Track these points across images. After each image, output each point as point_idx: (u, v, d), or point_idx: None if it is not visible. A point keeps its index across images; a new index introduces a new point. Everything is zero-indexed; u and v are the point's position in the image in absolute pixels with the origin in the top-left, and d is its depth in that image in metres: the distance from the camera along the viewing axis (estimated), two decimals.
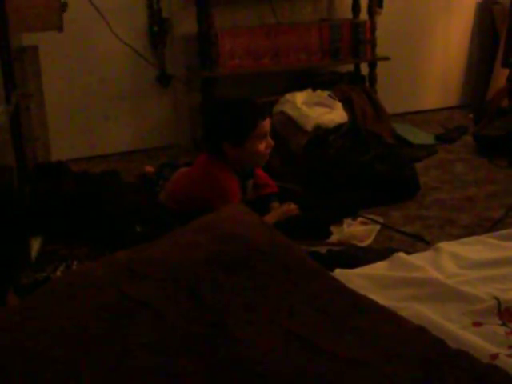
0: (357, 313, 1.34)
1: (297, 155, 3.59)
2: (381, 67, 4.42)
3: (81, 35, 4.01)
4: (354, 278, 1.73)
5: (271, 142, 2.85)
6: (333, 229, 2.90)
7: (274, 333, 1.24)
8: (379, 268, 1.83)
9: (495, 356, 1.34)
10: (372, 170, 3.33)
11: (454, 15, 4.94)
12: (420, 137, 4.31)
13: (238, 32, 4.11)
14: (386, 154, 3.55)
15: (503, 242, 1.93)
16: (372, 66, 4.42)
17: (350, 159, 3.47)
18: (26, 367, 1.13)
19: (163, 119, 4.37)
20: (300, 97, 3.80)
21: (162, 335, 1.21)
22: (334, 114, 3.77)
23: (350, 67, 4.54)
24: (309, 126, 3.67)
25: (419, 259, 1.84)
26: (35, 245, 2.71)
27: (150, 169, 3.49)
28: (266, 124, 2.82)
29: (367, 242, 2.83)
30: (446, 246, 1.90)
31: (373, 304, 1.40)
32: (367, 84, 4.41)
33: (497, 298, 1.55)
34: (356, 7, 4.41)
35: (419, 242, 2.81)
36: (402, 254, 1.87)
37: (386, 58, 4.38)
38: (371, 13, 4.34)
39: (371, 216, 3.04)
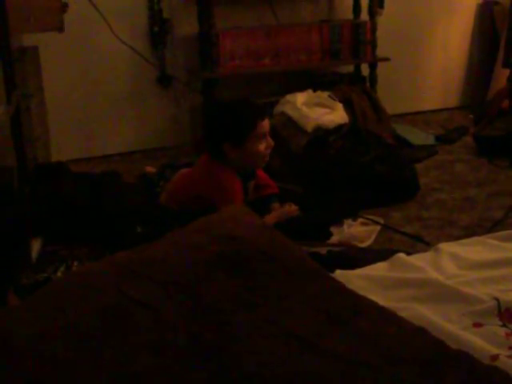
0: (357, 314, 1.34)
1: (297, 156, 3.59)
2: (381, 68, 4.42)
3: (81, 36, 4.01)
4: (354, 278, 1.73)
5: (271, 142, 2.85)
6: (333, 229, 2.90)
7: (274, 333, 1.24)
8: (379, 269, 1.83)
9: (495, 357, 1.34)
10: (372, 171, 3.33)
11: (454, 16, 4.95)
12: (420, 137, 4.31)
13: (238, 33, 4.11)
14: (386, 154, 3.55)
15: (503, 242, 1.93)
16: (372, 66, 4.42)
17: (350, 160, 3.47)
18: (27, 368, 1.13)
19: (163, 120, 4.37)
20: (300, 97, 3.81)
21: (161, 335, 1.21)
22: (335, 115, 3.77)
23: (351, 68, 4.54)
24: (309, 127, 3.67)
25: (419, 260, 1.84)
26: (35, 245, 2.71)
27: (150, 169, 3.48)
28: (266, 124, 2.82)
29: (367, 243, 2.83)
30: (446, 247, 1.90)
31: (373, 305, 1.40)
32: (367, 85, 4.41)
33: (497, 299, 1.55)
34: (356, 8, 4.41)
35: (419, 242, 2.81)
36: (402, 255, 1.87)
37: (387, 59, 4.38)
38: (372, 13, 4.34)
39: (371, 217, 3.04)
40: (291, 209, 2.90)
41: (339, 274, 1.74)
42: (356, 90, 4.19)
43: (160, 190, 3.12)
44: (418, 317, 1.47)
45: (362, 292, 1.48)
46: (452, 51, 5.01)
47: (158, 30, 4.18)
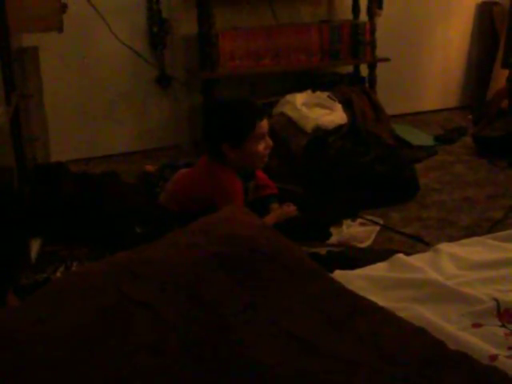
0: (356, 314, 1.34)
1: (297, 156, 3.60)
2: (380, 68, 4.42)
3: (81, 36, 4.01)
4: (353, 279, 1.73)
5: (270, 142, 2.85)
6: (332, 230, 2.90)
7: (274, 334, 1.24)
8: (379, 269, 1.83)
9: (494, 357, 1.34)
10: (372, 171, 3.33)
11: (453, 16, 4.95)
12: (420, 138, 4.31)
13: (238, 33, 4.11)
14: (385, 155, 3.55)
15: (503, 243, 1.94)
16: (372, 67, 4.42)
17: (350, 160, 3.47)
18: (27, 368, 1.13)
19: (163, 120, 4.37)
20: (300, 98, 3.81)
21: (162, 336, 1.21)
22: (334, 115, 3.77)
23: (350, 68, 4.54)
24: (309, 127, 3.67)
25: (419, 260, 1.84)
26: (35, 246, 2.71)
27: (149, 168, 3.48)
28: (264, 124, 2.82)
29: (367, 243, 2.83)
30: (446, 247, 1.90)
31: (372, 305, 1.40)
32: (367, 85, 4.42)
33: (496, 300, 1.55)
34: (356, 8, 4.41)
35: (419, 243, 2.81)
36: (401, 255, 1.87)
37: (386, 59, 4.38)
38: (371, 14, 4.34)
39: (371, 217, 3.04)
40: (290, 209, 2.90)
41: (339, 275, 1.74)
42: (355, 90, 4.19)
43: (159, 191, 3.12)
44: (417, 317, 1.47)
45: (361, 292, 1.48)
46: (451, 52, 5.01)
47: (158, 30, 4.18)
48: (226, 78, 4.20)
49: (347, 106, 3.94)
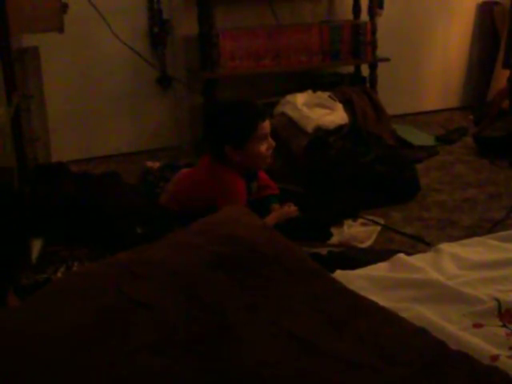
0: (357, 314, 1.34)
1: (297, 156, 3.59)
2: (381, 68, 4.42)
3: (81, 36, 4.01)
4: (354, 279, 1.73)
5: (272, 142, 2.85)
6: (333, 230, 2.90)
7: (275, 334, 1.24)
8: (380, 269, 1.83)
9: (496, 357, 1.34)
10: (372, 171, 3.33)
11: (454, 16, 4.95)
12: (420, 138, 4.31)
13: (238, 33, 4.10)
14: (386, 155, 3.55)
15: (504, 243, 1.93)
16: (372, 67, 4.42)
17: (351, 160, 3.46)
18: (27, 368, 1.13)
19: (163, 120, 4.37)
20: (300, 98, 3.80)
21: (162, 336, 1.21)
22: (335, 116, 3.77)
23: (351, 68, 4.54)
24: (309, 128, 3.67)
25: (420, 260, 1.84)
26: (36, 246, 2.71)
27: (151, 164, 3.48)
28: (266, 125, 2.82)
29: (368, 243, 2.83)
30: (447, 248, 1.90)
31: (373, 305, 1.40)
32: (368, 85, 4.41)
33: (497, 300, 1.55)
34: (356, 8, 4.41)
35: (420, 243, 2.81)
36: (402, 256, 1.87)
37: (387, 60, 4.38)
38: (372, 14, 4.34)
39: (372, 217, 3.04)
40: (291, 209, 2.90)
41: (340, 275, 1.74)
42: (356, 90, 4.19)
43: (160, 191, 3.11)
44: (418, 317, 1.47)
45: (362, 292, 1.48)
46: (452, 52, 5.01)
47: (158, 30, 4.18)
48: (227, 78, 4.20)
49: (348, 106, 3.94)
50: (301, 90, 3.95)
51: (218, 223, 1.64)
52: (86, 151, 4.19)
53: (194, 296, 1.32)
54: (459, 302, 1.58)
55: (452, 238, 2.66)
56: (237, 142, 2.78)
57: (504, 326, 1.47)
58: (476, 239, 2.02)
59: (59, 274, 2.45)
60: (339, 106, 3.83)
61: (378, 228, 2.96)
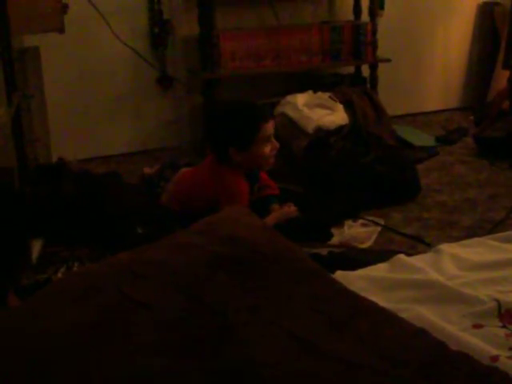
0: (357, 315, 1.34)
1: (298, 157, 3.60)
2: (382, 69, 4.42)
3: (82, 36, 4.01)
4: (354, 279, 1.73)
5: (276, 144, 2.85)
6: (333, 230, 2.91)
7: (275, 334, 1.24)
8: (380, 270, 1.83)
9: (495, 358, 1.34)
10: (373, 172, 3.33)
11: (454, 17, 4.95)
12: (421, 138, 4.31)
13: (239, 34, 4.11)
14: (386, 155, 3.55)
15: (504, 243, 1.93)
16: (373, 67, 4.42)
17: (351, 161, 3.47)
18: (27, 368, 1.14)
19: (164, 121, 4.37)
20: (301, 98, 3.81)
21: (162, 336, 1.21)
22: (335, 116, 3.77)
23: (351, 69, 4.54)
24: (310, 128, 3.67)
25: (420, 261, 1.84)
26: (36, 246, 2.71)
27: (148, 170, 3.48)
28: (270, 126, 2.82)
29: (368, 244, 2.83)
30: (447, 248, 1.90)
31: (373, 306, 1.40)
32: (368, 86, 4.41)
33: (497, 300, 1.55)
34: (357, 9, 4.41)
35: (420, 243, 2.81)
36: (402, 256, 1.87)
37: (387, 60, 4.38)
38: (372, 15, 4.34)
39: (372, 218, 3.04)
40: (290, 209, 2.90)
41: (340, 275, 1.74)
42: (357, 91, 4.19)
43: (160, 191, 3.11)
44: (418, 318, 1.47)
45: (362, 293, 1.48)
46: (452, 52, 5.01)
47: (159, 30, 4.18)
48: (227, 79, 4.20)
49: (348, 106, 3.94)
50: (301, 90, 3.95)
51: (219, 223, 1.64)
52: (86, 151, 4.19)
53: (194, 296, 1.32)
54: (459, 302, 1.58)
55: (452, 239, 2.66)
56: (241, 144, 2.77)
57: (504, 326, 1.48)
58: (476, 240, 2.02)
59: (59, 275, 2.46)
60: (339, 107, 3.83)
61: (378, 228, 2.97)
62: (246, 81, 4.30)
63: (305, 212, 2.94)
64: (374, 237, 2.90)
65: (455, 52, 5.02)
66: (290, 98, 3.85)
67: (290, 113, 3.74)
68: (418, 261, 1.85)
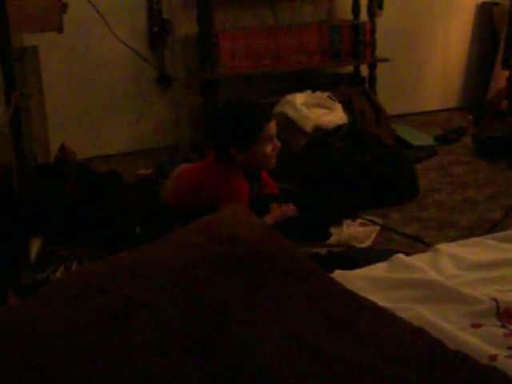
0: (356, 314, 1.34)
1: (296, 156, 3.60)
2: (380, 69, 4.42)
3: (81, 36, 4.01)
4: (353, 279, 1.73)
5: (278, 143, 2.85)
6: (332, 230, 2.91)
7: (275, 334, 1.24)
8: (379, 269, 1.84)
9: (494, 357, 1.34)
10: (371, 172, 3.33)
11: (453, 17, 4.95)
12: (420, 138, 4.31)
13: (238, 33, 4.11)
14: (385, 155, 3.55)
15: (502, 243, 1.94)
16: (372, 67, 4.42)
17: (350, 160, 3.47)
18: (27, 368, 1.14)
19: (163, 120, 4.37)
20: (300, 98, 3.81)
21: (162, 336, 1.21)
22: (334, 116, 3.77)
23: (350, 69, 4.54)
24: (308, 127, 3.67)
25: (418, 261, 1.84)
26: (35, 245, 2.71)
27: (143, 171, 3.48)
28: (272, 126, 2.82)
29: (367, 244, 2.84)
30: (446, 248, 1.91)
31: (372, 305, 1.41)
32: (367, 85, 4.42)
33: (496, 300, 1.55)
34: (356, 8, 4.41)
35: (418, 243, 2.81)
36: (401, 256, 1.87)
37: (386, 60, 4.38)
38: (371, 14, 4.34)
39: (371, 217, 3.04)
40: (289, 209, 2.90)
41: (339, 275, 1.74)
42: (355, 90, 4.19)
43: (159, 188, 3.11)
44: (417, 317, 1.47)
45: (361, 292, 1.48)
46: (451, 52, 5.01)
47: (158, 30, 4.18)
48: (226, 78, 4.20)
49: (347, 106, 3.94)
50: (300, 89, 3.95)
51: (218, 222, 1.64)
52: (86, 151, 4.18)
53: (193, 296, 1.32)
54: (458, 302, 1.58)
55: (451, 239, 2.66)
56: (243, 143, 2.78)
57: (502, 326, 1.48)
58: (475, 239, 2.02)
59: (59, 274, 2.46)
60: (338, 106, 3.84)
61: (377, 228, 2.97)
62: (245, 80, 4.31)
63: (304, 211, 2.94)
64: (372, 236, 2.90)
65: (454, 52, 5.02)
66: (288, 97, 3.85)
67: (289, 112, 3.74)
68: (416, 260, 1.85)
